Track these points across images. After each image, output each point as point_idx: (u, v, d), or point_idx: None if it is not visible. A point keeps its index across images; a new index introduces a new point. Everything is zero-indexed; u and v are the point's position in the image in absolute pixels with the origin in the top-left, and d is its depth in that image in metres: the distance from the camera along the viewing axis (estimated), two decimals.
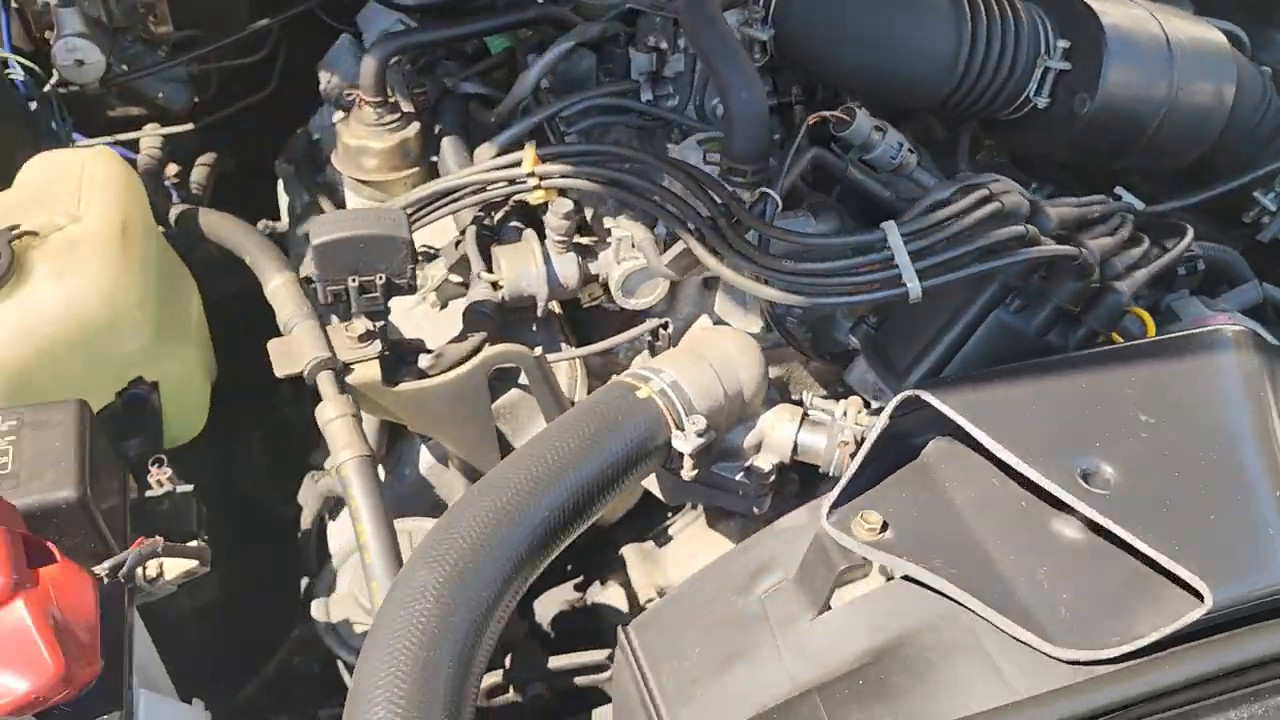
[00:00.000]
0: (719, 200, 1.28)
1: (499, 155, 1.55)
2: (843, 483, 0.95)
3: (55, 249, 1.23)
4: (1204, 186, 1.73)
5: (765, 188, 1.29)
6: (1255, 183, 1.74)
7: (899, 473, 0.98)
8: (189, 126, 1.92)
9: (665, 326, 1.41)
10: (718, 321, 1.49)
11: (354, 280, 1.24)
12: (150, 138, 1.88)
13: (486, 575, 0.96)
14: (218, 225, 1.51)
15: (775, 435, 1.29)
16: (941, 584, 0.89)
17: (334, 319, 1.30)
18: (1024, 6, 1.55)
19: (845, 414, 1.28)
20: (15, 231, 1.21)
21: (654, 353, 1.43)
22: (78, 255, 1.23)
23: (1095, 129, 1.56)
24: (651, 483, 1.34)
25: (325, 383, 1.21)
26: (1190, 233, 1.42)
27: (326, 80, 1.90)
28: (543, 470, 1.05)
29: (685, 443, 1.16)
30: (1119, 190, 1.64)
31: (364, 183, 1.63)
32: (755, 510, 1.31)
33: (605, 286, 1.45)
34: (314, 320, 1.27)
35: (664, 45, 1.55)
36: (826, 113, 1.41)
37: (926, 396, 0.94)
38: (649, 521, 1.65)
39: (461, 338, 1.37)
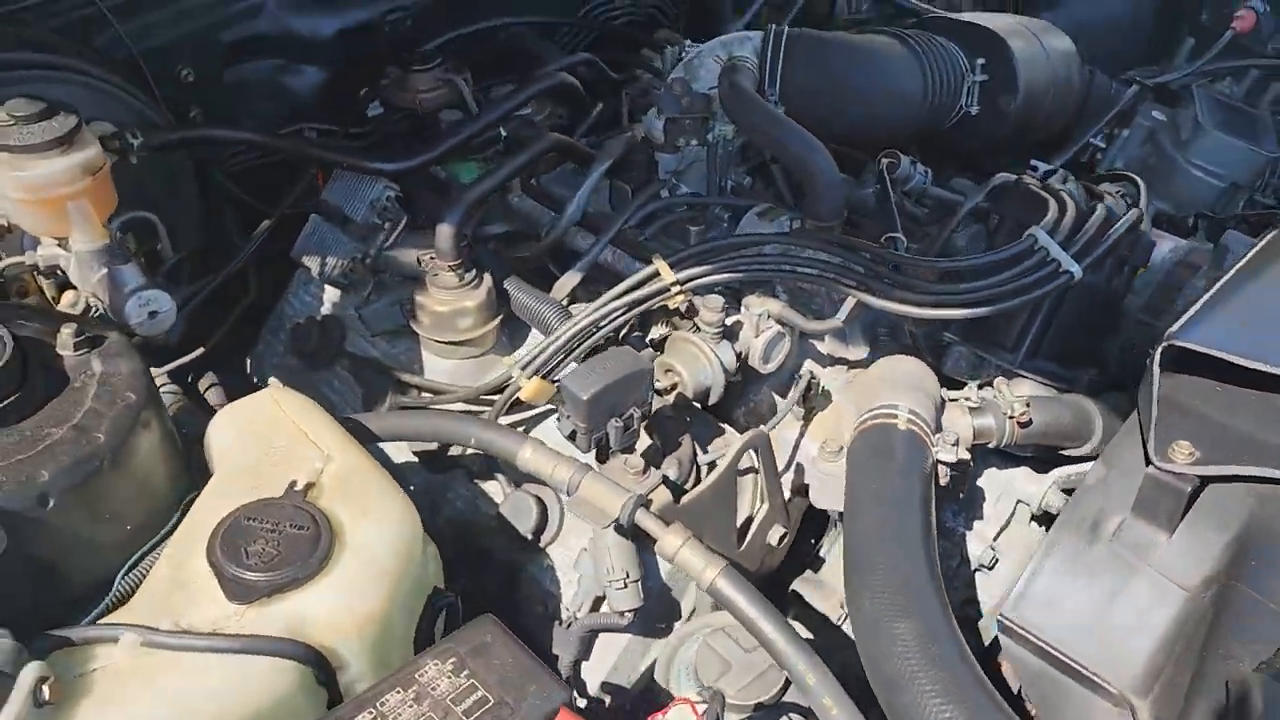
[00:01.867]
0: (867, 253, 1.51)
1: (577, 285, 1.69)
2: (1153, 431, 1.22)
3: (336, 492, 1.21)
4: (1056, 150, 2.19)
5: (892, 233, 1.53)
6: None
7: (1171, 414, 1.25)
8: (197, 353, 1.83)
9: (814, 378, 1.62)
10: (833, 362, 1.70)
11: (617, 421, 1.34)
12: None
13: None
14: (427, 424, 1.48)
15: (957, 429, 1.53)
16: (1265, 470, 1.18)
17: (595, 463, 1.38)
18: (942, 39, 1.91)
19: (999, 394, 1.55)
20: (300, 489, 1.19)
21: (805, 404, 1.63)
22: (361, 489, 1.22)
23: (1016, 119, 1.95)
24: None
25: (648, 521, 1.29)
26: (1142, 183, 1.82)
27: (319, 264, 1.89)
28: (909, 519, 1.23)
29: (948, 453, 1.38)
30: (1034, 162, 2.05)
31: (460, 343, 1.68)
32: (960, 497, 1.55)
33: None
34: (592, 470, 1.34)
35: (694, 143, 1.74)
36: (885, 160, 1.68)
37: (1185, 342, 1.23)
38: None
39: (667, 445, 1.49)
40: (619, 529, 1.34)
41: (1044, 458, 1.59)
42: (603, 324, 1.53)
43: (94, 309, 1.62)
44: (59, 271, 1.61)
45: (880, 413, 1.40)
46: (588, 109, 1.99)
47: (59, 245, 1.58)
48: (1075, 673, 1.20)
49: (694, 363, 1.54)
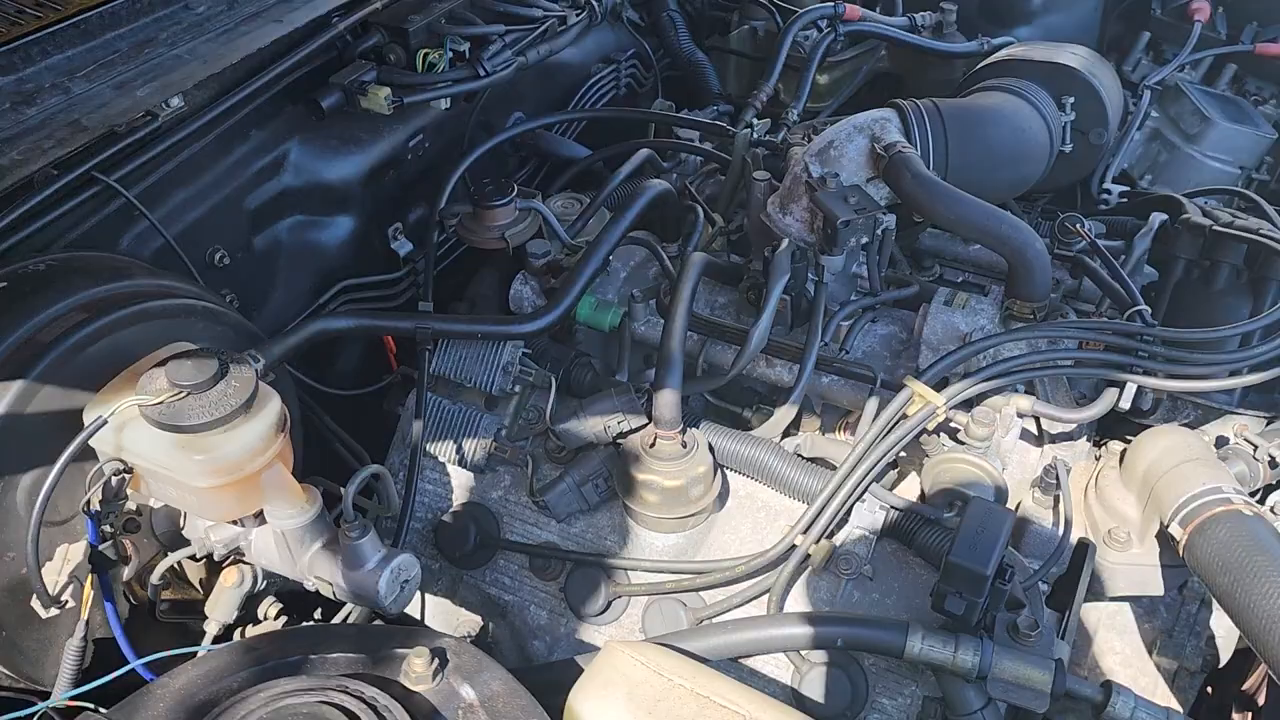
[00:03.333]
0: (1143, 337, 1.45)
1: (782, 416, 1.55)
2: None
3: None
4: None
5: (1137, 306, 1.49)
6: None
7: None
8: None
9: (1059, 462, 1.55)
10: (1044, 440, 1.63)
11: (1001, 584, 1.22)
12: None
13: None
14: (783, 632, 1.28)
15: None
16: None
17: None
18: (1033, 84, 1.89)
19: (1241, 441, 1.55)
20: None
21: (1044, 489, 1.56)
22: None
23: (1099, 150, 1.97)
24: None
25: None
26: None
27: (454, 450, 1.63)
28: None
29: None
30: (1107, 186, 2.08)
31: (690, 516, 1.49)
32: None
33: None
34: (996, 646, 1.21)
35: (864, 240, 1.62)
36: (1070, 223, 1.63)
37: None
38: None
39: None
40: None
41: None
42: (875, 467, 1.40)
43: (259, 581, 1.33)
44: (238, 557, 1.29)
45: (1212, 501, 1.35)
46: (691, 214, 1.82)
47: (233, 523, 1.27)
48: None
49: (981, 476, 1.43)
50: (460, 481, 1.66)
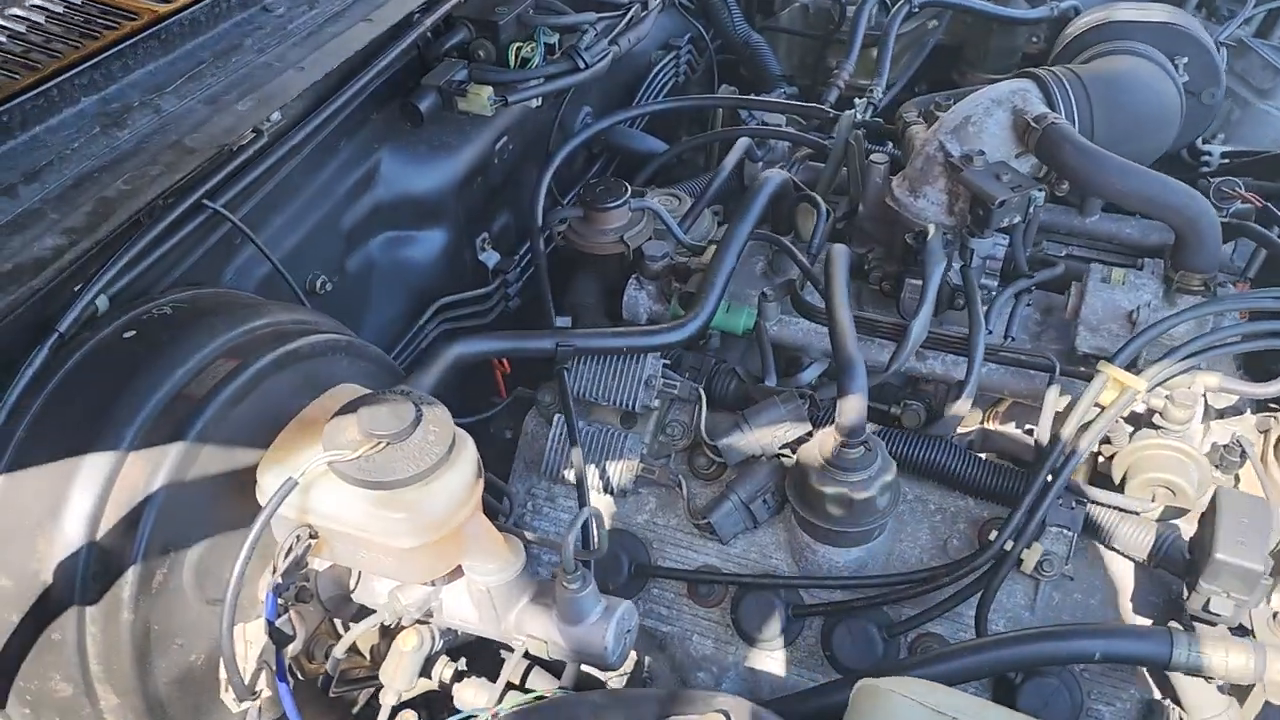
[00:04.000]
0: None
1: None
2: None
3: None
4: None
5: None
6: None
7: None
8: None
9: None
10: (1209, 416, 1.56)
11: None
12: None
13: None
14: (1039, 648, 1.18)
15: None
16: None
17: None
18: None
19: None
20: None
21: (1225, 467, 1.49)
22: None
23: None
24: None
25: None
26: None
27: (599, 475, 1.50)
28: None
29: None
30: (1202, 145, 2.02)
31: (875, 528, 1.38)
32: None
33: None
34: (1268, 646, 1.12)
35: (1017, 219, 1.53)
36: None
37: None
38: None
39: None
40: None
41: None
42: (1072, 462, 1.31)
43: (437, 641, 1.20)
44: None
45: None
46: (806, 205, 1.71)
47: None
48: None
49: (1185, 470, 1.35)
50: (603, 507, 1.54)
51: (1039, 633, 1.22)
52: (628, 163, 2.07)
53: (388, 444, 1.01)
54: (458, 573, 1.12)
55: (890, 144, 1.83)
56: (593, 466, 1.52)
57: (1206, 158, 2.00)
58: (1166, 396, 1.37)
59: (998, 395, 1.58)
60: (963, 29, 2.37)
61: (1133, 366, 1.39)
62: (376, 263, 1.65)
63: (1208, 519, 1.19)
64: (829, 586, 1.41)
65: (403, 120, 1.59)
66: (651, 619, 1.51)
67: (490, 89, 1.58)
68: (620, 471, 1.52)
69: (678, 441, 1.54)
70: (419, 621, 1.20)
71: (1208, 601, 1.13)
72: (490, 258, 1.81)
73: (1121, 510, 1.36)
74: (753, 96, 2.04)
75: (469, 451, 1.06)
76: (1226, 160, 1.99)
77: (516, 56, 1.66)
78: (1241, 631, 1.18)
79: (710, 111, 2.20)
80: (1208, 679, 1.16)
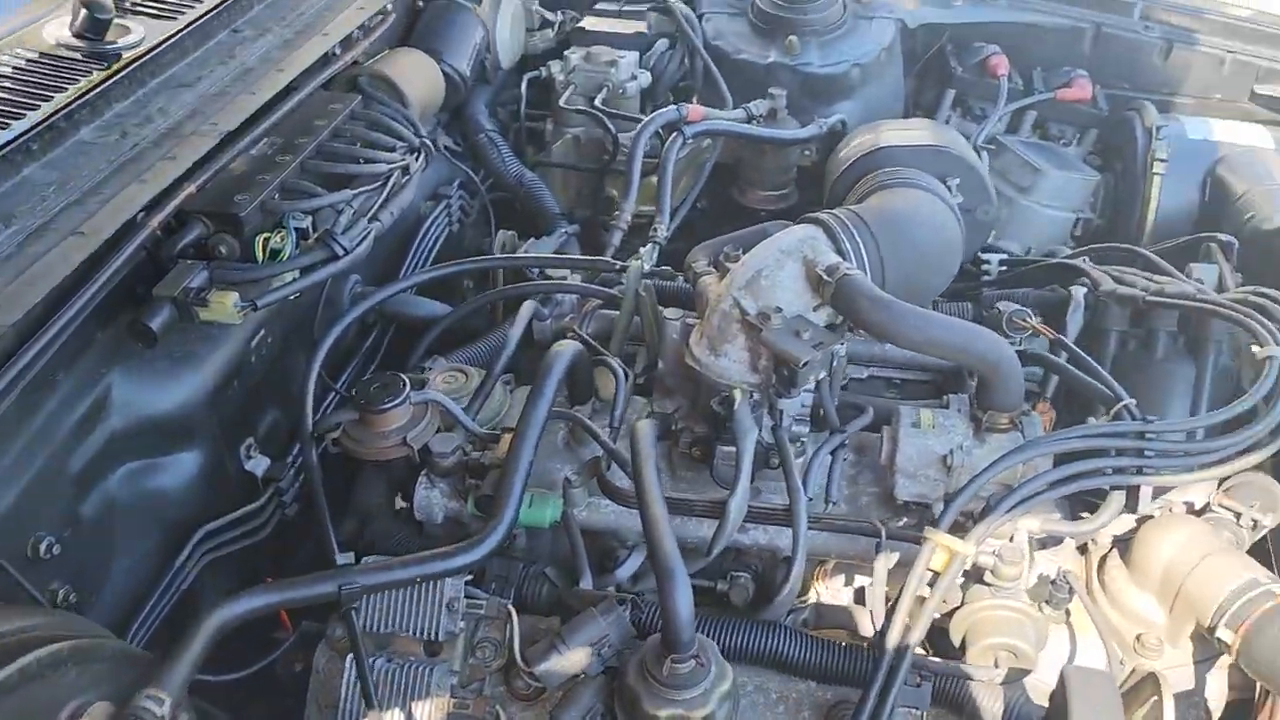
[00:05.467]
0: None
1: None
2: None
3: None
4: None
5: (1124, 401, 1.42)
6: None
7: None
8: None
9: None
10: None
11: None
12: None
13: None
14: None
15: None
16: None
17: None
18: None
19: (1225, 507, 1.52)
20: None
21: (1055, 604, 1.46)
22: None
23: None
24: None
25: None
26: None
27: (424, 712, 1.32)
28: None
29: None
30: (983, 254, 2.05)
31: None
32: None
33: None
34: None
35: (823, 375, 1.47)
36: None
37: None
38: None
39: None
40: None
41: None
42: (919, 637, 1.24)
43: None
44: None
45: (1256, 594, 1.29)
46: (602, 372, 1.61)
47: None
48: None
49: (1024, 631, 1.31)
50: None
51: None
52: (406, 329, 1.91)
53: None
54: None
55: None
56: (398, 710, 1.33)
57: (986, 266, 2.03)
58: (994, 554, 1.32)
59: (829, 559, 1.50)
60: (738, 148, 2.36)
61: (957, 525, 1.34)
62: (119, 501, 1.42)
63: (1058, 699, 1.14)
64: None
65: (130, 337, 1.38)
66: None
67: (236, 294, 1.39)
68: (430, 711, 1.33)
69: (490, 663, 1.38)
70: None
71: None
72: (259, 465, 1.60)
73: (968, 678, 1.30)
74: (533, 255, 1.93)
75: None
76: (1005, 269, 2.03)
77: (264, 249, 1.48)
78: None
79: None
80: None
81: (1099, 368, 1.50)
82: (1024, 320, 1.59)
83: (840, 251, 1.54)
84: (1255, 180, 2.19)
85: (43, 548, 1.27)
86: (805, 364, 1.41)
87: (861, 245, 1.54)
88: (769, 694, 1.37)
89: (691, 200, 2.27)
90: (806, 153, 2.35)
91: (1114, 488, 1.39)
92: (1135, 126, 2.38)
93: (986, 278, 2.01)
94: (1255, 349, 1.44)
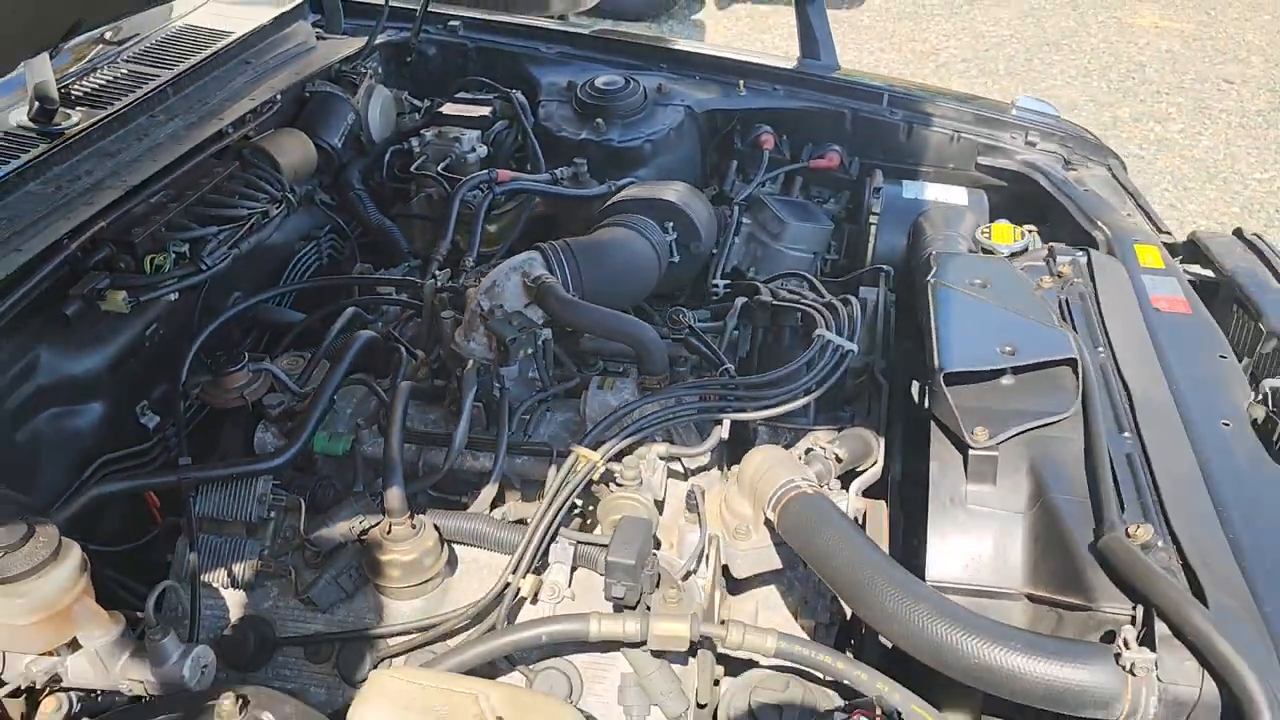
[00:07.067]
0: (721, 385, 2.04)
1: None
2: (960, 426, 1.90)
3: (514, 715, 1.47)
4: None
5: (724, 365, 2.08)
6: None
7: (964, 413, 1.95)
8: None
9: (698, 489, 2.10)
10: (688, 476, 2.19)
11: (648, 571, 1.73)
12: None
13: None
14: (502, 641, 1.71)
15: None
16: (1026, 425, 1.92)
17: None
18: (642, 216, 2.51)
19: (820, 448, 2.17)
20: None
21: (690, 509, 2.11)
22: (524, 704, 1.48)
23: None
24: None
25: (711, 628, 1.69)
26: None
27: (225, 575, 1.97)
28: (865, 542, 1.78)
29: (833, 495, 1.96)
30: (714, 281, 2.73)
31: (426, 581, 1.91)
32: None
33: None
34: (652, 613, 1.70)
35: (529, 351, 2.14)
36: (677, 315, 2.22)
37: (951, 368, 1.93)
38: None
39: None
40: (655, 652, 1.74)
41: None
42: (559, 515, 1.89)
43: (75, 705, 1.63)
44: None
45: (788, 489, 1.93)
46: (396, 354, 2.28)
47: (49, 654, 1.57)
48: (986, 593, 1.84)
49: (636, 510, 1.95)
50: (235, 600, 1.99)
51: (500, 631, 1.76)
52: (275, 332, 2.59)
53: (5, 553, 1.46)
54: (77, 643, 1.56)
55: None
56: (223, 569, 1.98)
57: (715, 288, 2.71)
58: (621, 464, 1.98)
59: (530, 479, 2.16)
60: (553, 204, 3.05)
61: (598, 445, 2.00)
62: (44, 433, 2.08)
63: None
64: (396, 633, 1.91)
65: (55, 322, 2.06)
66: (279, 681, 1.96)
67: (124, 292, 2.08)
68: (244, 570, 1.99)
69: (292, 542, 2.03)
70: (58, 690, 1.62)
71: (611, 588, 1.71)
72: (150, 420, 2.27)
73: (599, 545, 1.94)
74: (367, 275, 2.63)
75: (73, 554, 1.52)
76: (728, 287, 2.71)
77: (151, 265, 2.17)
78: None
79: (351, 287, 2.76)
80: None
81: (712, 347, 2.18)
82: (677, 316, 2.28)
83: (549, 269, 2.23)
84: (939, 228, 2.88)
85: None
86: (512, 340, 2.09)
87: (565, 264, 2.23)
88: (478, 563, 2.02)
89: (512, 240, 2.96)
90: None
91: (715, 423, 2.05)
92: (865, 188, 3.09)
93: (715, 294, 2.69)
94: (817, 333, 2.13)
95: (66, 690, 1.62)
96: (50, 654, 1.56)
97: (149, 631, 1.53)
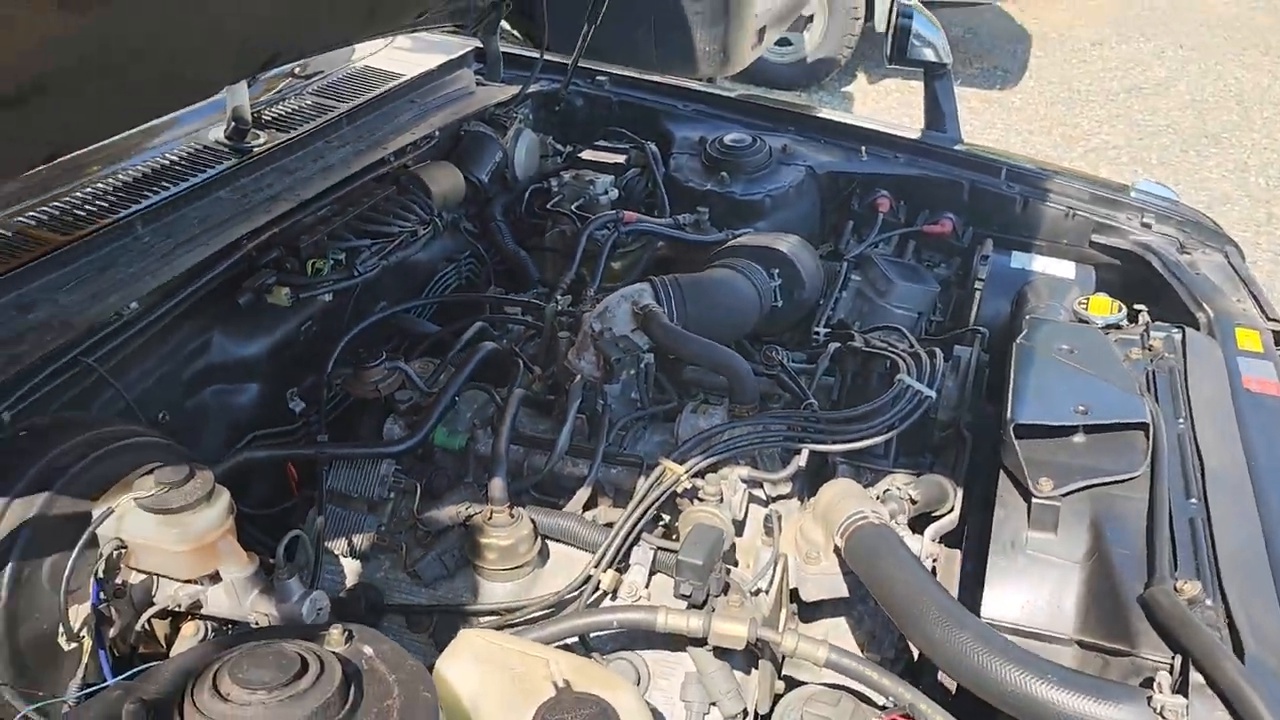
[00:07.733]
0: (804, 418, 2.20)
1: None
2: (1026, 476, 2.01)
3: (581, 683, 1.64)
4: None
5: (807, 400, 2.24)
6: None
7: (1030, 464, 2.05)
8: None
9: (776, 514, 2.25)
10: (769, 501, 2.34)
11: (717, 574, 1.89)
12: None
13: None
14: (580, 622, 1.92)
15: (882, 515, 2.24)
16: (1091, 481, 2.00)
17: None
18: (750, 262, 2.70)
19: (896, 488, 2.29)
20: (564, 686, 1.61)
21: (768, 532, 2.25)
22: (592, 675, 1.66)
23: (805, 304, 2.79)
24: None
25: (768, 632, 1.84)
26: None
27: (345, 544, 2.22)
28: (922, 573, 1.90)
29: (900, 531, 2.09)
30: (816, 329, 2.90)
31: (520, 567, 2.11)
32: None
33: None
34: (715, 612, 1.86)
35: (631, 372, 2.35)
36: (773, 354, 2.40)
37: (1023, 420, 2.04)
38: None
39: None
40: (717, 652, 1.89)
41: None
42: (643, 519, 2.07)
43: (209, 634, 1.88)
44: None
45: (857, 519, 2.07)
46: (515, 366, 2.52)
47: (193, 583, 1.83)
48: (1039, 636, 1.92)
49: (709, 523, 2.12)
50: (351, 568, 2.24)
51: (584, 611, 1.94)
52: (412, 339, 2.88)
53: (170, 489, 1.73)
54: (217, 576, 1.82)
55: None
56: (344, 539, 2.24)
57: (816, 334, 2.86)
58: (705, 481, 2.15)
59: (622, 489, 2.35)
60: (676, 247, 3.27)
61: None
62: (209, 405, 2.40)
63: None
64: (488, 613, 2.12)
65: (229, 310, 2.38)
66: None
67: (288, 289, 2.38)
68: (362, 542, 2.24)
69: (405, 521, 2.27)
70: (198, 616, 1.88)
71: (679, 586, 1.88)
72: (297, 405, 2.56)
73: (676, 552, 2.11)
74: (497, 295, 2.90)
75: (224, 498, 1.78)
76: (828, 335, 2.86)
77: (311, 268, 2.48)
78: None
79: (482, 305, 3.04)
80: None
81: (799, 382, 2.33)
82: (770, 354, 2.45)
83: (657, 299, 2.44)
84: (1043, 297, 2.97)
85: (160, 416, 2.26)
86: (617, 359, 2.30)
87: (671, 296, 2.44)
88: (570, 558, 2.21)
89: (633, 277, 3.19)
90: None
91: (787, 450, 2.21)
92: (975, 255, 3.20)
93: (815, 340, 2.84)
94: (899, 377, 2.26)
95: (205, 619, 1.88)
96: (195, 583, 1.82)
97: (277, 570, 1.77)
